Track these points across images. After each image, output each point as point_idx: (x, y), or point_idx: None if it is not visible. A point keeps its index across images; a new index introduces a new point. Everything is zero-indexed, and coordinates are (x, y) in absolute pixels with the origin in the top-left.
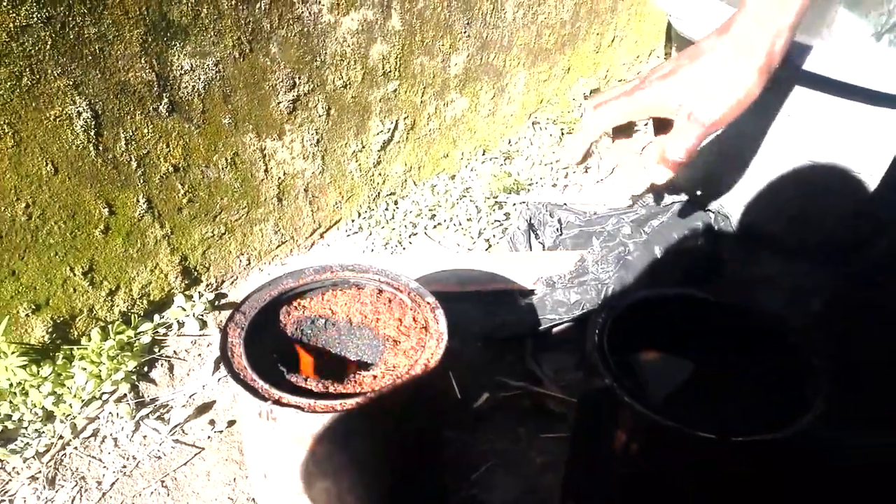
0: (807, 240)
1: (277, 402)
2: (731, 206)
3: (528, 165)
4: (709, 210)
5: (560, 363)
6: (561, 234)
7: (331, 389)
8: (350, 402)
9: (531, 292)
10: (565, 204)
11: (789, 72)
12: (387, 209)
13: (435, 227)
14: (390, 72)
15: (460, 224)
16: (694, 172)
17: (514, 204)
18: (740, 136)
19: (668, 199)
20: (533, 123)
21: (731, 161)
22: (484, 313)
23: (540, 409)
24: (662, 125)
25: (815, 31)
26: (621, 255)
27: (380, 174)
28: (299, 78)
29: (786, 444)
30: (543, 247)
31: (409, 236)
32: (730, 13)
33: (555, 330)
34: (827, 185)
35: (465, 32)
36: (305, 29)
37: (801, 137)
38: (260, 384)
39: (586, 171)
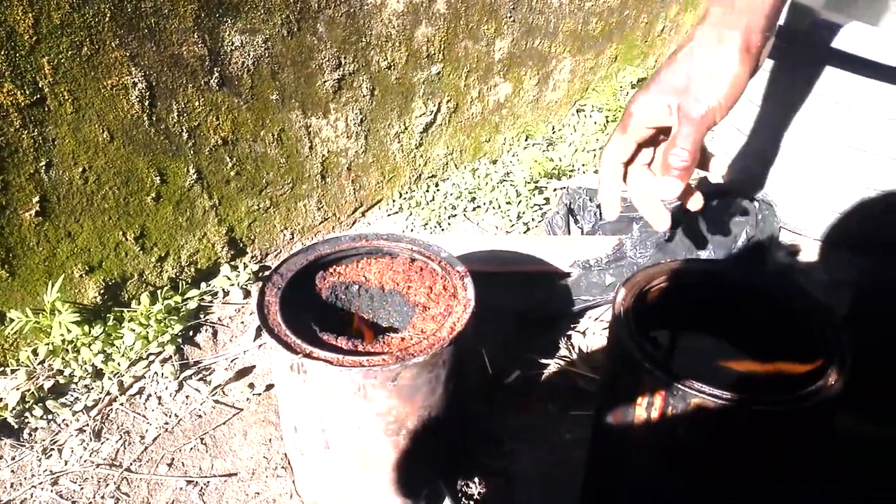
0: (848, 232)
1: (308, 355)
2: (775, 195)
3: (571, 152)
4: (754, 199)
5: (592, 343)
6: (600, 220)
7: (359, 348)
8: (376, 359)
9: (567, 274)
10: None
11: (836, 57)
12: (427, 191)
13: (474, 209)
14: (434, 54)
15: (500, 207)
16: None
17: (555, 189)
18: (785, 124)
19: (712, 187)
20: (577, 111)
21: (776, 150)
22: (519, 293)
23: (570, 387)
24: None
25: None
26: (660, 239)
27: (422, 156)
28: (345, 58)
29: (793, 416)
30: (582, 231)
31: (449, 217)
32: None
33: (588, 311)
34: (874, 176)
35: (510, 17)
36: (352, 9)
37: (850, 126)
38: (292, 339)
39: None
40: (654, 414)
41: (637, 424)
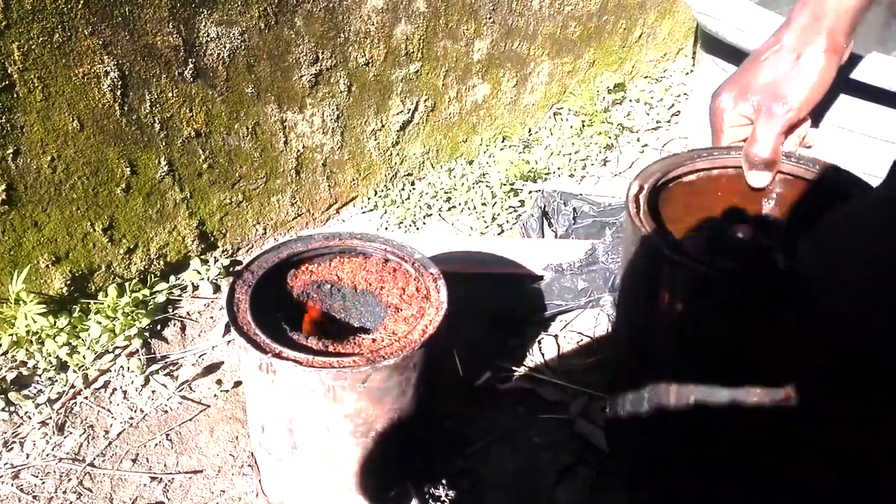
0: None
1: (277, 355)
2: None
3: (547, 155)
4: None
5: (563, 347)
6: (574, 223)
7: (330, 348)
8: (347, 361)
9: (540, 278)
10: (580, 194)
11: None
12: (403, 189)
13: (449, 209)
14: (413, 52)
15: (475, 208)
16: None
17: (530, 191)
18: None
19: None
20: (554, 114)
21: None
22: (492, 295)
23: (540, 391)
24: None
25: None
26: None
27: (398, 154)
28: (322, 53)
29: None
30: (556, 234)
31: (424, 217)
32: (755, 9)
33: (560, 315)
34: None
35: (489, 18)
36: (331, 4)
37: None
38: (262, 338)
39: (604, 164)
40: (677, 303)
41: (660, 312)
